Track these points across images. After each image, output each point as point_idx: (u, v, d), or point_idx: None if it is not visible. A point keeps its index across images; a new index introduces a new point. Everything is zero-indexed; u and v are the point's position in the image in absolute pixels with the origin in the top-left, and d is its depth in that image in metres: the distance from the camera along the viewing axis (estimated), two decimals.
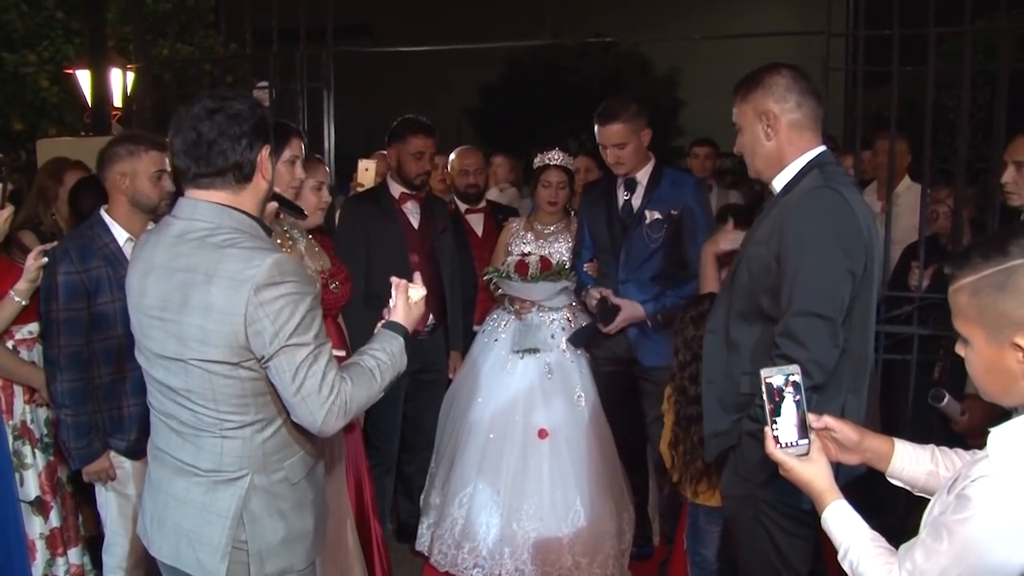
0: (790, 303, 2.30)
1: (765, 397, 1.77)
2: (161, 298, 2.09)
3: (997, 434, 1.54)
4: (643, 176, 3.93)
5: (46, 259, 3.03)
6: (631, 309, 3.85)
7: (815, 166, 2.42)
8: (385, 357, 2.23)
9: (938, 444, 1.96)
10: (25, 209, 3.93)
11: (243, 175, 2.10)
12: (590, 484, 3.97)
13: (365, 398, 2.16)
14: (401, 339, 2.30)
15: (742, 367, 2.46)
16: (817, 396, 2.28)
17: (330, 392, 2.05)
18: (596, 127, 3.84)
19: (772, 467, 2.32)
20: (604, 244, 4.02)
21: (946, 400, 3.09)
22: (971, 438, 3.19)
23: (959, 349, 1.64)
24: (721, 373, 2.54)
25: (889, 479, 1.92)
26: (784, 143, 2.44)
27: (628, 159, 3.83)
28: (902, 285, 4.15)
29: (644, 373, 3.94)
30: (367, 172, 4.61)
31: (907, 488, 1.92)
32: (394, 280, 2.38)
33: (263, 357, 2.03)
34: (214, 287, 2.00)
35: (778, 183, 2.48)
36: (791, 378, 1.77)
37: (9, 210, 2.95)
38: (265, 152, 2.13)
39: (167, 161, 3.09)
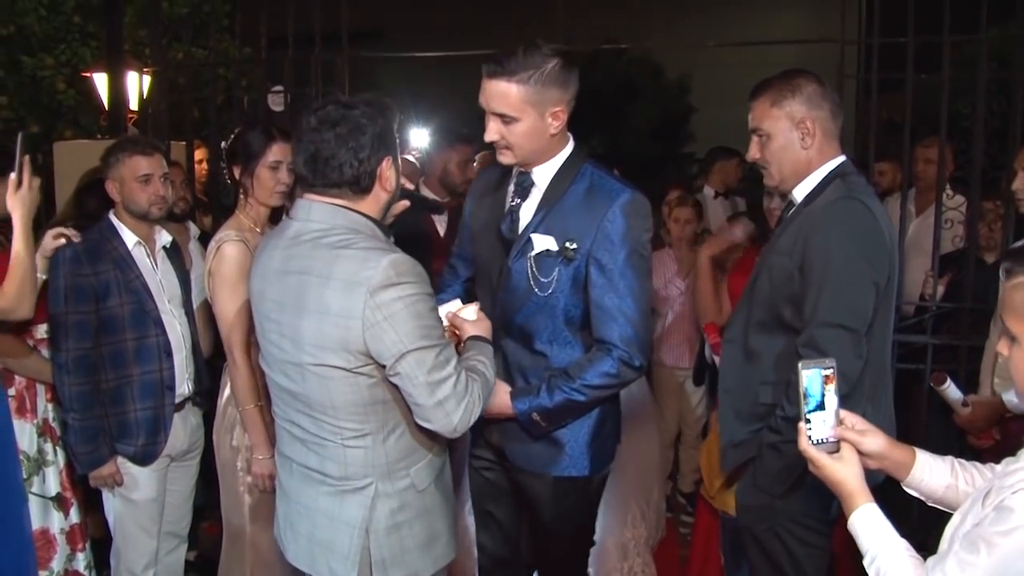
0: (814, 314, 2.28)
1: (801, 392, 1.74)
2: (277, 301, 2.09)
3: None
4: (542, 175, 2.48)
5: (63, 241, 3.03)
6: (497, 395, 2.44)
7: (837, 175, 2.39)
8: (485, 360, 2.23)
9: (952, 454, 1.94)
10: (61, 212, 3.97)
11: (360, 188, 2.07)
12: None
13: (486, 394, 2.16)
14: (487, 345, 2.30)
15: (762, 377, 2.44)
16: None
17: (465, 391, 2.04)
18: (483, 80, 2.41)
19: (792, 478, 2.33)
20: (484, 265, 2.64)
21: (947, 384, 3.09)
22: (971, 434, 3.19)
23: (1002, 348, 1.60)
24: (739, 383, 2.52)
25: (905, 488, 1.90)
26: (815, 152, 2.40)
27: (518, 143, 2.39)
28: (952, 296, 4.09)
29: (518, 474, 2.62)
30: None
31: (922, 499, 1.90)
32: (446, 315, 2.37)
33: (387, 363, 1.99)
34: (329, 290, 1.97)
35: (799, 192, 2.45)
36: (827, 372, 1.74)
37: (37, 180, 2.94)
38: (387, 163, 2.09)
39: (155, 164, 3.11)
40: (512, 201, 2.53)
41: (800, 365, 1.73)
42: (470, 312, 2.37)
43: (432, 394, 1.99)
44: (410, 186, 2.42)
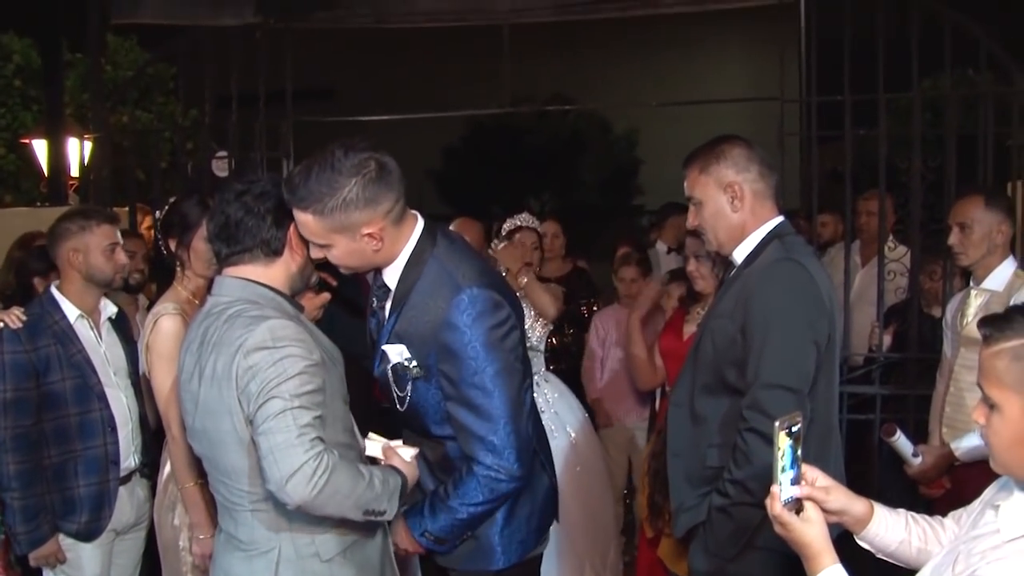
0: (757, 376, 2.28)
1: (777, 455, 1.70)
2: (188, 371, 2.15)
3: (1010, 510, 1.51)
4: (392, 275, 2.26)
5: (1, 325, 2.95)
6: (397, 526, 2.33)
7: (775, 236, 2.41)
8: (380, 476, 2.10)
9: (905, 503, 1.93)
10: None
11: (271, 250, 2.14)
12: (558, 549, 3.86)
13: (348, 488, 2.00)
14: (399, 478, 2.15)
15: (709, 440, 2.42)
16: None
17: (305, 452, 1.94)
18: None
19: (742, 541, 2.30)
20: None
21: (898, 436, 3.10)
22: (922, 484, 3.21)
23: (978, 416, 1.58)
24: (687, 446, 2.50)
25: (858, 541, 1.88)
26: (748, 214, 2.42)
27: (344, 263, 2.21)
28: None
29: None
30: None
31: (871, 551, 1.89)
32: (379, 447, 2.26)
33: (250, 420, 2.00)
34: (218, 356, 2.05)
35: (739, 255, 2.46)
36: (795, 429, 1.71)
37: None
38: (293, 229, 2.15)
39: (119, 234, 3.08)
40: (375, 303, 2.37)
41: (776, 426, 1.69)
42: (406, 453, 2.25)
43: (265, 441, 1.96)
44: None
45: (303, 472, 1.93)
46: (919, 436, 3.37)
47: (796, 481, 1.73)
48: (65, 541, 3.03)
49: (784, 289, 2.30)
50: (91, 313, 3.09)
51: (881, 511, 1.86)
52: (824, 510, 1.75)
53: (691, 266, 3.41)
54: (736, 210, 2.42)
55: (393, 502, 2.11)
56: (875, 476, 3.90)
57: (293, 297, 2.23)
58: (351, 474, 2.02)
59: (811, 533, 1.69)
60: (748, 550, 2.32)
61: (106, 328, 3.15)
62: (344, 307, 2.74)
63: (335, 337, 2.31)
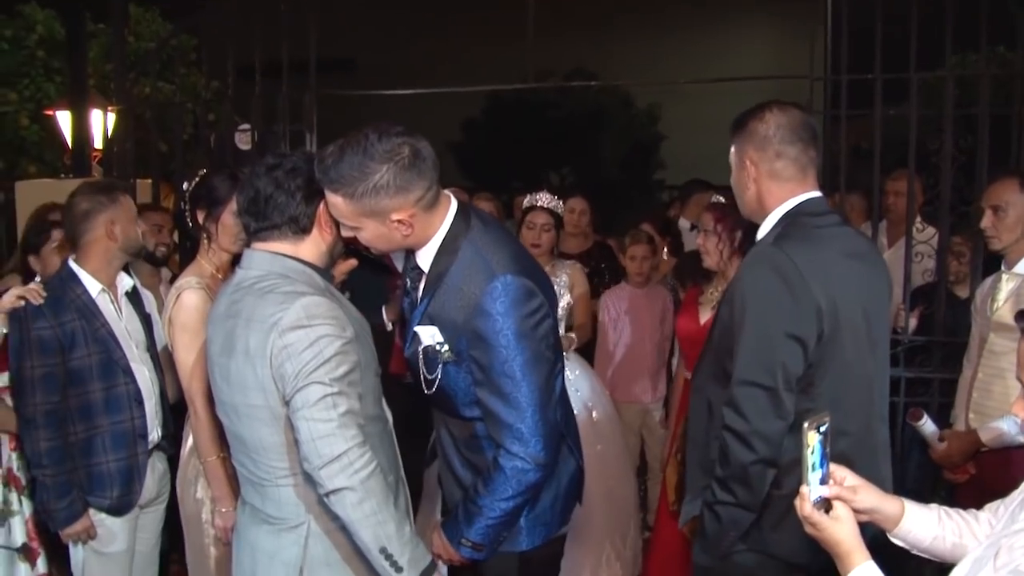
0: (735, 371, 2.17)
1: (807, 455, 1.67)
2: (218, 344, 2.15)
3: None
4: (425, 257, 2.23)
5: (23, 303, 2.93)
6: (435, 539, 2.37)
7: (792, 216, 2.28)
8: (413, 529, 2.10)
9: (928, 488, 1.91)
10: (16, 256, 3.92)
11: (299, 227, 2.13)
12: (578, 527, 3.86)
13: (380, 498, 2.00)
14: (431, 559, 2.12)
15: (717, 431, 2.27)
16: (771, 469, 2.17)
17: (347, 441, 1.97)
18: None
19: (729, 540, 2.23)
20: None
21: (924, 420, 3.09)
22: (946, 468, 3.19)
23: (1018, 409, 1.58)
24: (701, 434, 2.38)
25: (891, 539, 1.87)
26: (764, 192, 2.31)
27: (374, 245, 2.20)
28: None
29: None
30: None
31: (906, 548, 1.87)
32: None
33: (286, 400, 2.02)
34: (250, 332, 2.05)
35: (761, 232, 2.36)
36: (823, 428, 1.69)
37: None
38: (324, 206, 2.13)
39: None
40: (408, 284, 2.35)
41: (805, 426, 1.67)
42: None
43: (305, 427, 1.98)
44: None
45: (339, 463, 1.97)
46: (942, 420, 3.35)
47: (825, 480, 1.72)
48: (96, 515, 3.03)
49: (760, 279, 2.18)
50: (110, 287, 3.08)
51: (912, 508, 1.84)
52: (853, 509, 1.74)
53: (700, 239, 3.41)
54: (747, 188, 2.34)
55: (413, 570, 2.04)
56: (898, 460, 3.87)
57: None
58: (386, 489, 2.03)
59: (841, 532, 1.69)
60: (738, 550, 2.25)
61: (124, 301, 3.13)
62: (366, 265, 2.73)
63: (355, 295, 2.32)
